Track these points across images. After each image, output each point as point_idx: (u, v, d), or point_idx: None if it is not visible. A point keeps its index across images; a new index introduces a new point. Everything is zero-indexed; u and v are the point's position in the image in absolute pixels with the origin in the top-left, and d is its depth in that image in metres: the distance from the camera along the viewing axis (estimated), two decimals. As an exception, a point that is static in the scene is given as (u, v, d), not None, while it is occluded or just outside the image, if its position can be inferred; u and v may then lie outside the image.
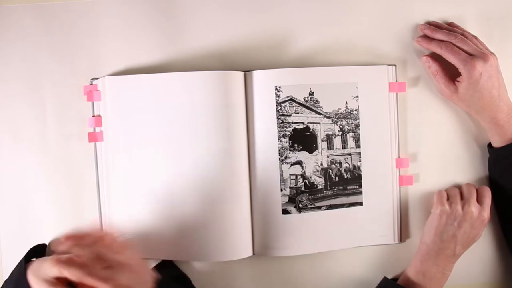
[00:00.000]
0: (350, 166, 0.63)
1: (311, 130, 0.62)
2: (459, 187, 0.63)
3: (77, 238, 0.49)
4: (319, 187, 0.62)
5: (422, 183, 0.65)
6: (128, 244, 0.52)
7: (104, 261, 0.46)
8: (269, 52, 0.63)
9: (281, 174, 0.61)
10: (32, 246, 0.59)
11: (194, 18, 0.63)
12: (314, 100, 0.62)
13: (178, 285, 0.59)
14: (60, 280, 0.46)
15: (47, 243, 0.62)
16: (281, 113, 0.61)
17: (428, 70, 0.64)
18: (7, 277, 0.54)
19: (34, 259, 0.52)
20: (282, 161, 0.61)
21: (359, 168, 0.63)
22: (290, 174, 0.61)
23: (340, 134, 0.62)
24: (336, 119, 0.62)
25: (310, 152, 0.62)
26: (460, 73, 0.60)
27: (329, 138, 0.62)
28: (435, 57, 0.62)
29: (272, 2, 0.64)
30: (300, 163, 0.61)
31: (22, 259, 0.53)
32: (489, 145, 0.64)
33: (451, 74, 0.62)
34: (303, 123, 0.61)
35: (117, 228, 0.56)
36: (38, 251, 0.59)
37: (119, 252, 0.48)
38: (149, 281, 0.50)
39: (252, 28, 0.63)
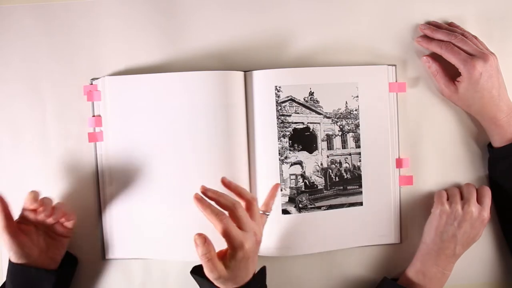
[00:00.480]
0: (350, 166, 0.63)
1: (311, 130, 0.62)
2: (459, 187, 0.63)
3: (236, 190, 0.54)
4: (319, 187, 0.62)
5: (422, 183, 0.65)
6: (263, 220, 0.56)
7: (238, 219, 0.51)
8: (269, 52, 0.63)
9: (281, 174, 0.61)
10: None
11: (194, 18, 0.63)
12: (314, 100, 0.62)
13: None
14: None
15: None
16: (281, 113, 0.61)
17: (428, 70, 0.64)
18: None
19: None
20: (282, 161, 0.61)
21: (359, 168, 0.63)
22: (290, 174, 0.61)
23: (340, 134, 0.62)
24: (336, 119, 0.62)
25: (310, 152, 0.62)
26: (460, 73, 0.60)
27: (329, 138, 0.62)
28: (435, 57, 0.62)
29: (272, 2, 0.64)
30: (300, 163, 0.61)
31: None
32: (489, 145, 0.64)
33: (451, 74, 0.62)
34: (303, 123, 0.61)
35: (267, 206, 0.59)
36: None
37: (254, 221, 0.53)
38: (255, 263, 0.53)
39: (252, 28, 0.63)
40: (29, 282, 0.55)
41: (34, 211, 0.55)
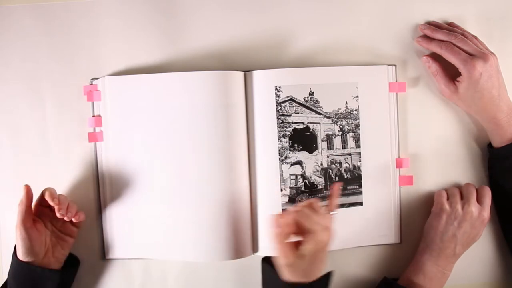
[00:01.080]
0: (350, 166, 0.63)
1: (311, 130, 0.62)
2: (459, 187, 0.63)
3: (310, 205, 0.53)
4: (319, 187, 0.62)
5: (422, 183, 0.65)
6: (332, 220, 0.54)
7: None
8: (269, 52, 0.63)
9: (281, 174, 0.61)
10: None
11: (194, 18, 0.63)
12: (314, 100, 0.62)
13: None
14: None
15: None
16: (281, 113, 0.61)
17: (428, 70, 0.64)
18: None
19: None
20: (282, 161, 0.61)
21: (359, 168, 0.63)
22: (290, 174, 0.61)
23: (340, 134, 0.62)
24: (336, 119, 0.62)
25: (310, 152, 0.62)
26: (460, 73, 0.60)
27: (329, 138, 0.62)
28: (435, 57, 0.62)
29: (272, 2, 0.64)
30: (300, 163, 0.61)
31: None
32: (489, 145, 0.64)
33: (451, 74, 0.62)
34: (303, 123, 0.61)
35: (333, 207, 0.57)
36: None
37: (325, 220, 0.51)
38: (323, 262, 0.52)
39: (252, 28, 0.63)
40: (33, 281, 0.55)
41: (50, 208, 0.55)
